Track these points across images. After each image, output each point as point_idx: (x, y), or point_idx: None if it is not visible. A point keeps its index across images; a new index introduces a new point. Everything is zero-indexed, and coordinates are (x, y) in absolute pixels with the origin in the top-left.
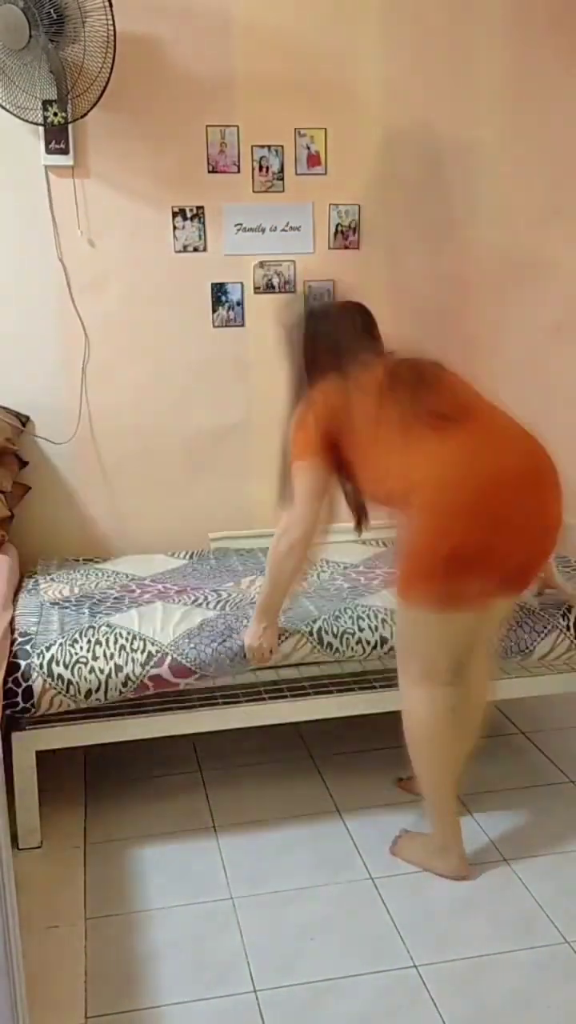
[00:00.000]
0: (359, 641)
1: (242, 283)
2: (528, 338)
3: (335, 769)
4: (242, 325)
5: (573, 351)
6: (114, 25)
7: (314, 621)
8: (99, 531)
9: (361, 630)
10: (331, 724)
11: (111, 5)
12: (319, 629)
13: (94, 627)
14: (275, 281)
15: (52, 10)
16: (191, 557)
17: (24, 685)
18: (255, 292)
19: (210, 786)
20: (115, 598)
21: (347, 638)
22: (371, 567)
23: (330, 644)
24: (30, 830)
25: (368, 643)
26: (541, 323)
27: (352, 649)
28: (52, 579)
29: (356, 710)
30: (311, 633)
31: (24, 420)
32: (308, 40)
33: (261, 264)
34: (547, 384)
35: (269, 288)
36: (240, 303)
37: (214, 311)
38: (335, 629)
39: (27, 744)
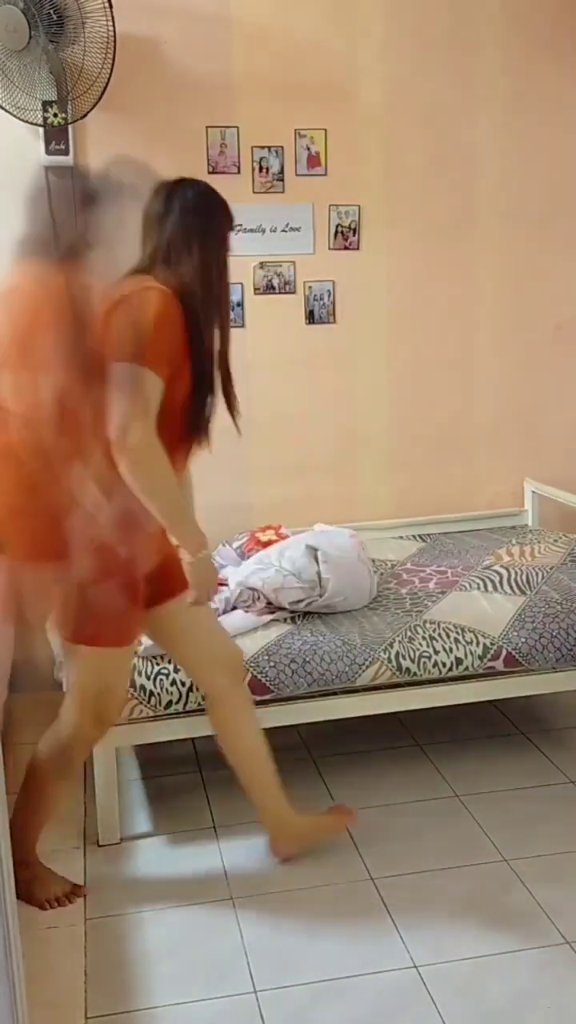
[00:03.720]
0: (435, 664)
1: (242, 284)
2: (528, 338)
3: (335, 769)
4: (242, 326)
5: (573, 351)
6: (114, 26)
7: (391, 645)
8: None
9: (436, 652)
10: (331, 724)
11: (111, 6)
12: (396, 654)
13: None
14: (275, 282)
15: (52, 11)
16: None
17: None
18: (255, 293)
19: (210, 786)
20: None
21: (424, 662)
22: (419, 565)
23: (408, 669)
24: (109, 827)
25: (444, 665)
26: (541, 323)
27: (428, 672)
28: None
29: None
30: (389, 660)
31: None
32: (308, 40)
33: (261, 265)
34: (547, 383)
35: (269, 289)
36: (240, 304)
37: None
38: (411, 653)
39: (107, 741)
